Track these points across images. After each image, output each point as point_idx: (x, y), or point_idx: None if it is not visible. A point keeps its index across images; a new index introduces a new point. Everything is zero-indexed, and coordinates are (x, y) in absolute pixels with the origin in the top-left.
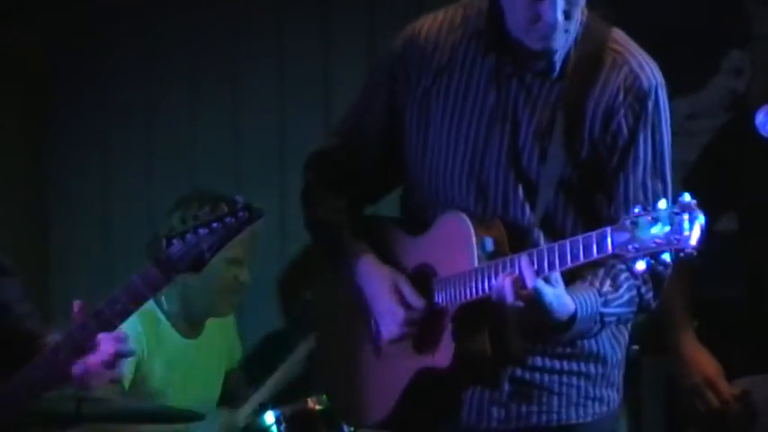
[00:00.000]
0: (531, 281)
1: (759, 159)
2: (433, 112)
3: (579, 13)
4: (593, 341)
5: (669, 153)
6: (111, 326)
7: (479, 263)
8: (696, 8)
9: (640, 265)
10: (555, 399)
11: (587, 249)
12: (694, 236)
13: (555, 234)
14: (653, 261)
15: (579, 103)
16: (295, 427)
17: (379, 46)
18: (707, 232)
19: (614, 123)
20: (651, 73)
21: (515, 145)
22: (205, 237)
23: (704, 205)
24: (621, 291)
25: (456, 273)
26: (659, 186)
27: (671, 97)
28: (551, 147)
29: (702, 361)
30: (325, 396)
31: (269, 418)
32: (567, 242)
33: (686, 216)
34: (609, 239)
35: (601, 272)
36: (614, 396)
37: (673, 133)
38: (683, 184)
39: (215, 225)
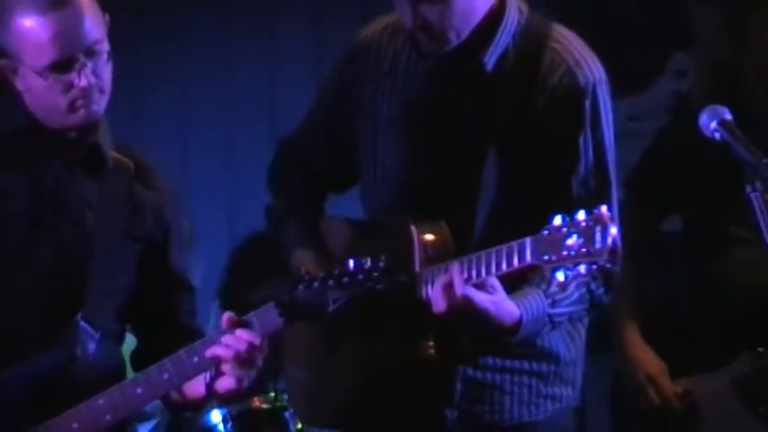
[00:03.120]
0: (460, 288)
1: (702, 160)
2: (379, 117)
3: (453, 22)
4: (544, 340)
5: (612, 149)
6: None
7: (421, 267)
8: (639, 10)
9: (560, 276)
10: (507, 397)
11: (509, 259)
12: (606, 248)
13: (500, 235)
14: (569, 272)
15: (518, 104)
16: (241, 426)
17: (325, 54)
18: (622, 243)
19: (552, 123)
20: (589, 70)
21: (456, 147)
22: (332, 288)
23: (649, 206)
24: (570, 290)
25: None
26: (602, 184)
27: (614, 98)
28: (491, 148)
29: (646, 359)
30: (273, 394)
31: (215, 416)
32: (493, 251)
33: (599, 229)
34: (528, 250)
35: (548, 273)
36: (568, 393)
37: (615, 134)
38: (628, 185)
39: (345, 279)
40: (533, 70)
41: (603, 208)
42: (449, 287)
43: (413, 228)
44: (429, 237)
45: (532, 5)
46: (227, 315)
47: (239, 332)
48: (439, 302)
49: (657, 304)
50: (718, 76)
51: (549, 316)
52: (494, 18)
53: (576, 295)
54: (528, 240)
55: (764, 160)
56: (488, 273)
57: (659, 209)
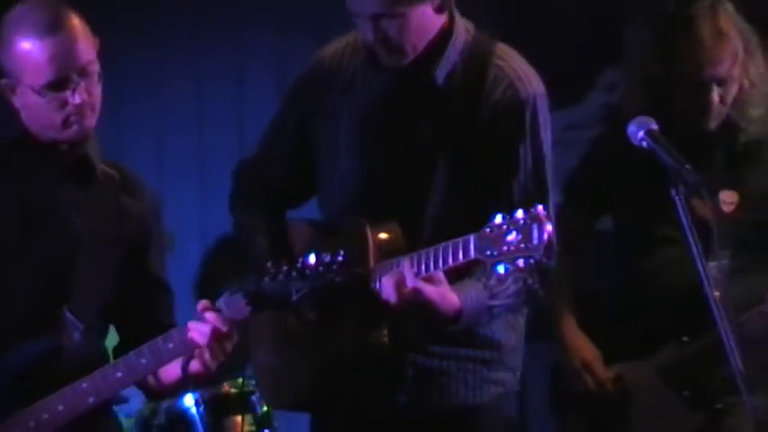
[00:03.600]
0: (410, 281)
1: (631, 166)
2: (340, 128)
3: (411, 37)
4: (487, 329)
5: (550, 157)
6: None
7: (375, 263)
8: (573, 30)
9: (500, 269)
10: (453, 382)
11: (455, 254)
12: (542, 244)
13: (447, 235)
14: (510, 266)
15: (465, 115)
16: (212, 409)
17: (289, 70)
18: (566, 238)
19: (496, 134)
20: (530, 84)
21: (409, 154)
22: (295, 280)
23: (584, 208)
24: (507, 283)
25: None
26: (539, 188)
27: (552, 110)
28: (441, 155)
29: (582, 346)
30: (241, 380)
31: (188, 400)
32: (441, 247)
33: (536, 226)
34: (471, 246)
35: (489, 267)
36: (510, 378)
37: (553, 143)
38: (565, 189)
39: (307, 271)
40: (479, 84)
41: (540, 207)
42: (400, 280)
43: (367, 228)
44: (382, 236)
45: (479, 25)
46: (202, 302)
47: (210, 317)
48: (391, 294)
49: (593, 297)
50: (647, 91)
51: (489, 307)
52: (444, 36)
53: (512, 289)
54: (471, 237)
55: (687, 166)
56: (436, 267)
57: (593, 211)
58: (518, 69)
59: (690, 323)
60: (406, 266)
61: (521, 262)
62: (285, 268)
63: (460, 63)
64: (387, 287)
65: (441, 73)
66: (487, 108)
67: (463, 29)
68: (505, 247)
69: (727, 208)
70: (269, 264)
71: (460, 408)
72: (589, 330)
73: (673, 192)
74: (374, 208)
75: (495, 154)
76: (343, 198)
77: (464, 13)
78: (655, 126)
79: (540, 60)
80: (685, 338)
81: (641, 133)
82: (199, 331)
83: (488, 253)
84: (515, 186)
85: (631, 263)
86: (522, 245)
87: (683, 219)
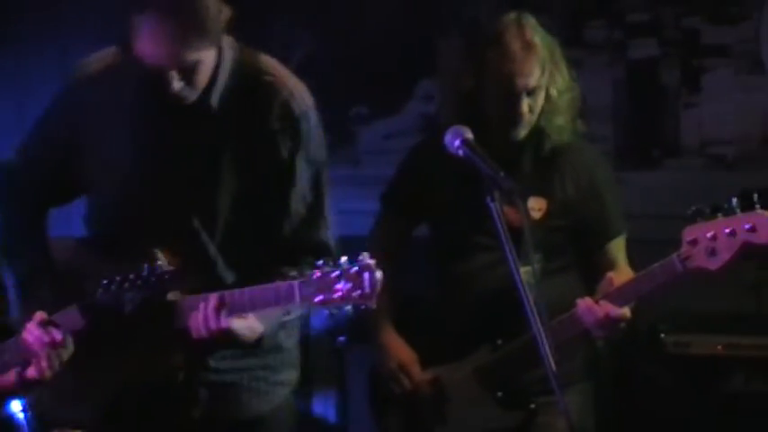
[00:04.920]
0: (224, 321)
1: (446, 174)
2: (104, 146)
3: (204, 73)
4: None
5: (324, 166)
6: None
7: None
8: (391, 39)
9: (332, 310)
10: (245, 393)
11: (277, 299)
12: (375, 293)
13: (233, 256)
14: (336, 311)
15: (240, 133)
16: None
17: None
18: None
19: (273, 149)
20: (302, 99)
21: (186, 177)
22: (128, 291)
23: (401, 216)
24: None
25: None
26: (317, 197)
27: (372, 120)
28: (220, 176)
29: (399, 350)
30: None
31: (15, 405)
32: (259, 290)
33: (366, 275)
34: (297, 292)
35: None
36: (293, 376)
37: (373, 152)
38: (383, 197)
39: (139, 282)
40: (252, 102)
41: (367, 255)
42: (211, 319)
43: (159, 254)
44: (166, 263)
45: (294, 39)
46: (38, 314)
47: (48, 329)
48: (201, 331)
49: (409, 302)
50: (461, 102)
51: (282, 323)
52: (217, 59)
53: None
54: (296, 285)
55: (501, 173)
56: (252, 309)
57: (411, 218)
58: (289, 85)
59: (504, 326)
60: (219, 305)
61: (349, 308)
62: (119, 279)
63: (231, 83)
64: (196, 324)
65: (215, 96)
66: (263, 124)
67: (228, 47)
68: (336, 294)
69: (535, 214)
70: (104, 280)
71: (253, 419)
72: (406, 334)
73: (487, 198)
74: (154, 234)
75: (272, 168)
76: (120, 216)
77: (281, 27)
78: (470, 135)
79: (359, 70)
80: (499, 341)
81: (457, 142)
82: (34, 336)
83: (318, 298)
84: (293, 197)
85: (447, 269)
86: (354, 293)
87: (498, 225)
